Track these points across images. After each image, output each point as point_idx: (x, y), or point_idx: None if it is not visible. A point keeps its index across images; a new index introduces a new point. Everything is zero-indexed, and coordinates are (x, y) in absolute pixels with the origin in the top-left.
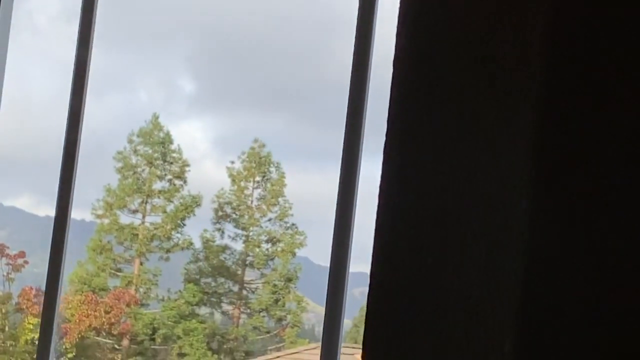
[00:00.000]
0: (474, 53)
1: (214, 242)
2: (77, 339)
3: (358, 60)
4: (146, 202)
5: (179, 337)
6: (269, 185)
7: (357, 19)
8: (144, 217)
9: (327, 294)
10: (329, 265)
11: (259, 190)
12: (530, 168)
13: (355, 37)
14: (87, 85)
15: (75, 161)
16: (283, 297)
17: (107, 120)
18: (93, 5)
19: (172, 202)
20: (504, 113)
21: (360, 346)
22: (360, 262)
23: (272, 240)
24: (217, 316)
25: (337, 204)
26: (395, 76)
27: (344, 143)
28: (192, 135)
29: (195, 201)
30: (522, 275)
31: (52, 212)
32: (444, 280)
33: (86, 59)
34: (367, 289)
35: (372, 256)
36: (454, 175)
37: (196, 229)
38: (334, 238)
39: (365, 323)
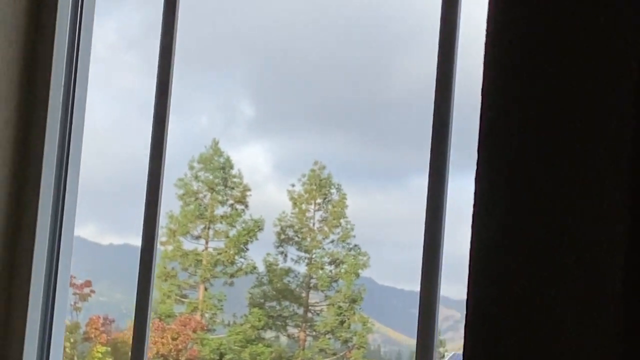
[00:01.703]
0: (567, 73)
1: (277, 265)
2: None
3: (442, 73)
4: (209, 228)
5: None
6: (330, 206)
7: (440, 32)
8: (207, 242)
9: (418, 322)
10: (393, 285)
11: (320, 212)
12: (626, 189)
13: (438, 55)
14: (169, 112)
15: (160, 190)
16: (348, 319)
17: (168, 147)
18: (173, 26)
19: (234, 227)
20: (597, 137)
21: None
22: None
23: (335, 262)
24: (283, 339)
25: (425, 225)
26: (484, 102)
27: (430, 161)
28: (252, 159)
29: (258, 225)
30: (621, 304)
31: (115, 241)
32: (539, 307)
33: (168, 80)
34: None
35: (468, 282)
36: (548, 199)
37: (259, 253)
38: (423, 262)
39: (464, 348)
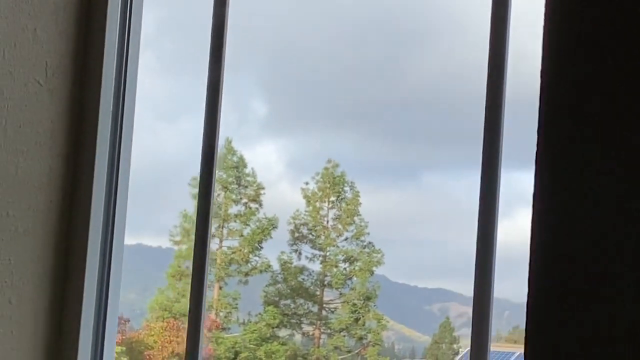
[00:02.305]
0: (630, 67)
1: (291, 263)
2: None
3: (493, 67)
4: (223, 227)
5: None
6: (343, 204)
7: (491, 24)
8: (221, 241)
9: (472, 324)
10: (406, 282)
11: (334, 210)
12: None
13: (490, 45)
14: (220, 111)
15: (212, 191)
16: (363, 316)
17: (181, 147)
18: (224, 26)
19: (248, 225)
20: None
21: None
22: (438, 278)
23: (350, 260)
24: (298, 337)
25: (478, 223)
26: (542, 97)
27: (482, 157)
28: (265, 158)
29: (272, 223)
30: None
31: (128, 241)
32: (601, 299)
33: (218, 79)
34: (445, 305)
35: (529, 277)
36: (609, 193)
37: (273, 252)
38: (476, 261)
39: (525, 342)
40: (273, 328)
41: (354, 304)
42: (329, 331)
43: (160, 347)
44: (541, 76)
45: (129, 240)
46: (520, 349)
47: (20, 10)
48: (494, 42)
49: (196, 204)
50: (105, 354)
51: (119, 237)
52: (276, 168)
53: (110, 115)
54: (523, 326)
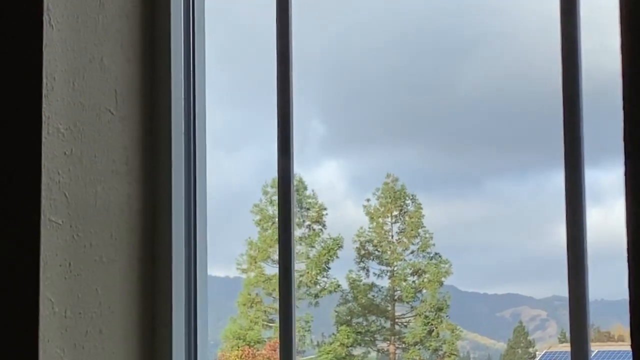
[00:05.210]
0: None
1: (360, 281)
2: None
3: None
4: None
5: None
6: (407, 218)
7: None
8: None
9: (570, 327)
10: (476, 290)
11: (397, 224)
12: None
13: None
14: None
15: (292, 221)
16: (436, 328)
17: (242, 175)
18: (288, 54)
19: (313, 247)
20: None
21: None
22: (507, 283)
23: (418, 272)
24: (374, 354)
25: (566, 225)
26: (626, 94)
27: (565, 157)
28: (325, 178)
29: (337, 243)
30: None
31: None
32: None
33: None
34: (516, 310)
35: (629, 278)
36: None
37: (341, 271)
38: (568, 264)
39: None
40: (348, 347)
41: (426, 316)
42: (403, 345)
43: None
44: (622, 78)
45: None
46: (596, 347)
47: (86, 41)
48: (566, 38)
49: (263, 234)
50: None
51: (202, 259)
52: (337, 187)
53: (183, 138)
54: (597, 324)
